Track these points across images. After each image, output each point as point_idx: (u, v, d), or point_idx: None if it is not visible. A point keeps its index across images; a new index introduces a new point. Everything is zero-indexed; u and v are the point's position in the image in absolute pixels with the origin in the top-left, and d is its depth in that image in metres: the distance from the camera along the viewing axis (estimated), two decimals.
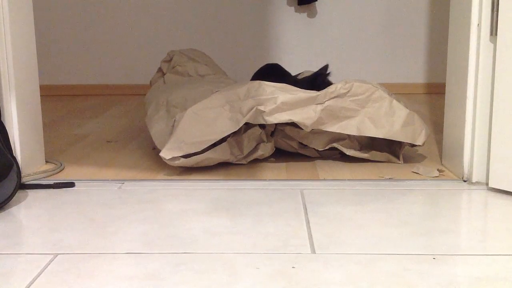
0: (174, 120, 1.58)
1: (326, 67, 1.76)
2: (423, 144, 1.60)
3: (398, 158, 1.64)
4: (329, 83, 1.69)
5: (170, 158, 1.49)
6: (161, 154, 1.49)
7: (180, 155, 1.50)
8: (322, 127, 1.57)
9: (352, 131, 1.57)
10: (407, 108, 1.62)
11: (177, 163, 1.51)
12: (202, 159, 1.53)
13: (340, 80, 1.66)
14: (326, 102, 1.56)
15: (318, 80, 1.75)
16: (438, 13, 2.98)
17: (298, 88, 1.58)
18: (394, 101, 1.61)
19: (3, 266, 1.00)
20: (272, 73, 1.88)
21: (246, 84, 1.59)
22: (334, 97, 1.57)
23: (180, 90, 1.74)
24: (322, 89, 1.59)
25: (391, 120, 1.58)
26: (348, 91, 1.58)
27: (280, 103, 1.52)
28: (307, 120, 1.54)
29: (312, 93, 1.55)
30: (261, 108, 1.52)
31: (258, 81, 1.58)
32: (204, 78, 2.00)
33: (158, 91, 1.90)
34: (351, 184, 1.46)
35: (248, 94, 1.55)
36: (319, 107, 1.55)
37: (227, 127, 1.53)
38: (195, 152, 1.52)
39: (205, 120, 1.53)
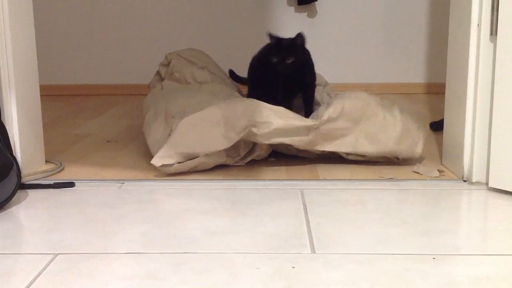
0: (171, 130, 1.58)
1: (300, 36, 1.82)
2: (421, 152, 1.60)
3: (398, 158, 1.64)
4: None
5: (161, 165, 1.49)
6: (152, 161, 1.49)
7: (170, 163, 1.50)
8: (316, 147, 1.57)
9: (348, 149, 1.58)
10: (401, 113, 1.60)
11: (171, 169, 1.51)
12: (197, 163, 1.53)
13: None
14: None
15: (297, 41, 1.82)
16: (438, 13, 2.98)
17: (294, 114, 1.56)
18: (387, 115, 1.59)
19: (3, 266, 1.00)
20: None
21: (244, 101, 1.58)
22: (327, 122, 1.56)
23: (179, 100, 1.74)
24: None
25: (386, 136, 1.57)
26: (340, 113, 1.57)
27: (274, 129, 1.52)
28: (300, 143, 1.55)
29: (307, 122, 1.54)
30: (254, 130, 1.51)
31: (256, 102, 1.56)
32: (202, 85, 1.99)
33: (156, 97, 1.91)
34: (351, 184, 1.46)
35: (245, 113, 1.54)
36: (312, 132, 1.55)
37: (220, 144, 1.52)
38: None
39: (199, 132, 1.53)
